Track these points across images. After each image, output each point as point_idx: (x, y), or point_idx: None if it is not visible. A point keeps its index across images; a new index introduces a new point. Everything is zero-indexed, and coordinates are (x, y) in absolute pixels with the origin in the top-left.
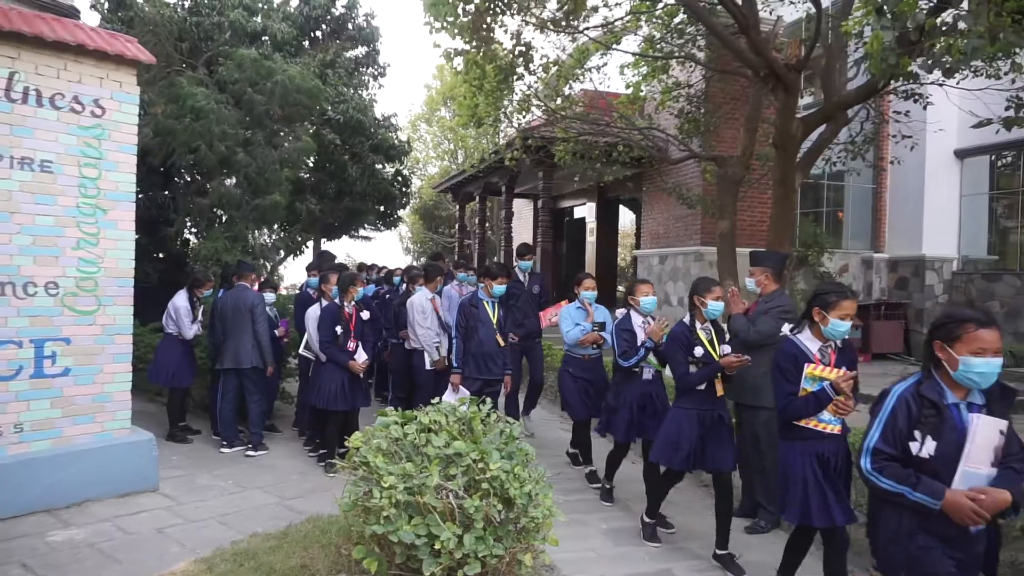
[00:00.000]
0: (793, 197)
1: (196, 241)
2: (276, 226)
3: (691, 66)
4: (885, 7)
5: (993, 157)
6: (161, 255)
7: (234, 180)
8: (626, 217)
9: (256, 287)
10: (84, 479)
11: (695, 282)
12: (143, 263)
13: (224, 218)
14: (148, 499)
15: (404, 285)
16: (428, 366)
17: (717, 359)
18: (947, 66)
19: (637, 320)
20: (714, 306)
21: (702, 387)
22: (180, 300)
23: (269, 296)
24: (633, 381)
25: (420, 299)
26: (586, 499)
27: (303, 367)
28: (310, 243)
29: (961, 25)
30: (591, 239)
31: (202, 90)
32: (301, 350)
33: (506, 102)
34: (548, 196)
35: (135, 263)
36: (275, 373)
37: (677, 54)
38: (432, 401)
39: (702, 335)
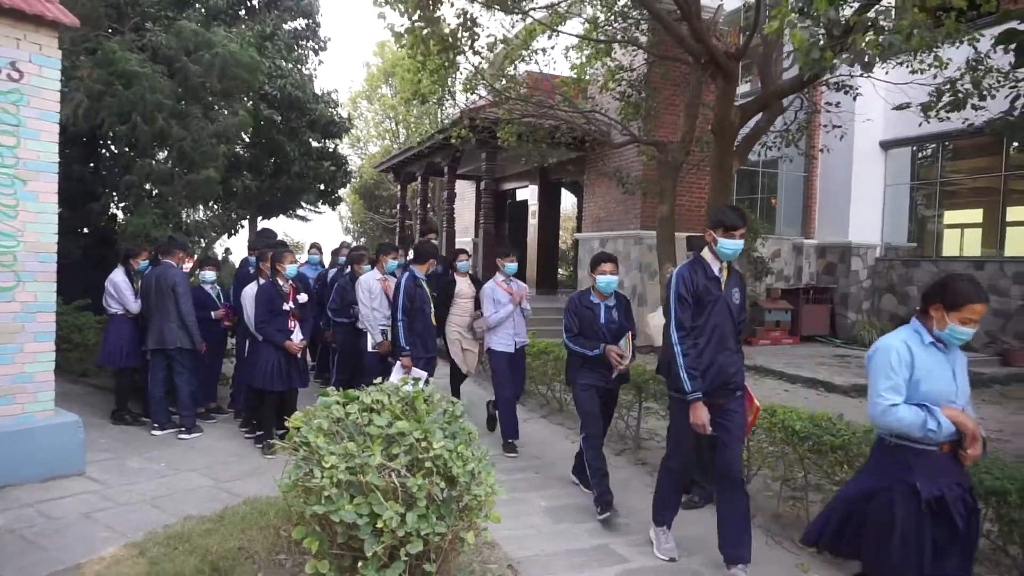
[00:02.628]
0: (730, 183)
1: (124, 217)
2: (211, 203)
3: (634, 50)
4: (804, 8)
5: (915, 149)
6: (86, 230)
7: (166, 154)
8: (568, 200)
9: (190, 264)
10: (3, 463)
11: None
12: (67, 239)
13: (154, 193)
14: (74, 483)
15: (349, 265)
16: (370, 348)
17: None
18: (865, 60)
19: None
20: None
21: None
22: (118, 276)
23: (210, 274)
24: None
25: (368, 279)
26: (526, 478)
27: (239, 348)
28: (245, 221)
29: (884, 22)
30: (533, 222)
31: (135, 55)
32: None
33: (450, 81)
34: (491, 178)
35: (58, 238)
36: (215, 354)
37: (620, 38)
38: (375, 381)
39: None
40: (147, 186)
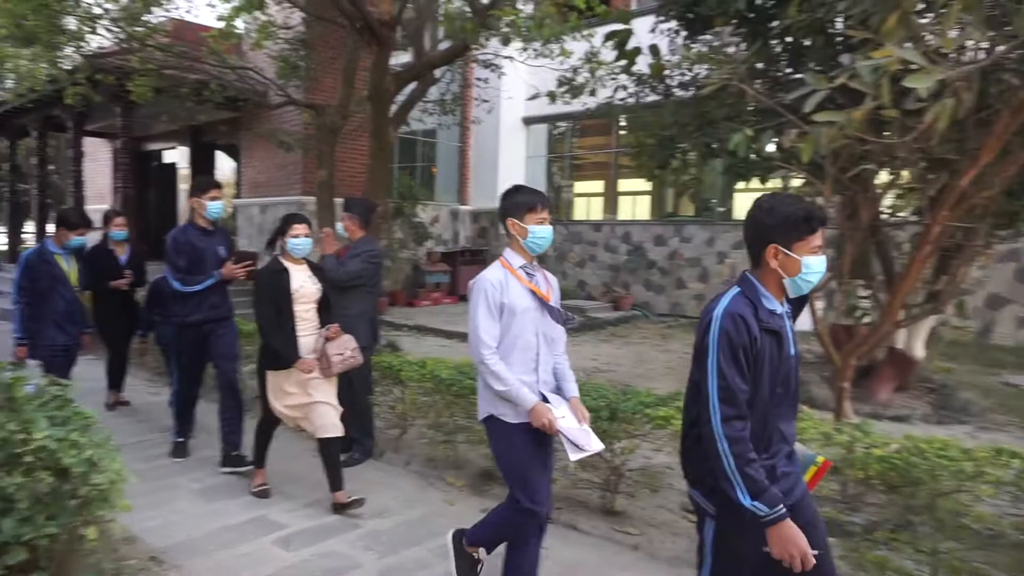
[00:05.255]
0: (388, 150)
1: None
2: None
3: (290, 7)
4: None
5: (550, 126)
6: None
7: None
8: (226, 164)
9: None
10: None
11: None
12: None
13: None
14: None
15: None
16: None
17: None
18: (503, 37)
19: None
20: None
21: None
22: None
23: None
24: None
25: None
26: (175, 463)
27: None
28: None
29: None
30: (184, 187)
31: None
32: None
33: (68, 19)
34: (129, 136)
35: None
36: None
37: None
38: None
39: None
40: None
